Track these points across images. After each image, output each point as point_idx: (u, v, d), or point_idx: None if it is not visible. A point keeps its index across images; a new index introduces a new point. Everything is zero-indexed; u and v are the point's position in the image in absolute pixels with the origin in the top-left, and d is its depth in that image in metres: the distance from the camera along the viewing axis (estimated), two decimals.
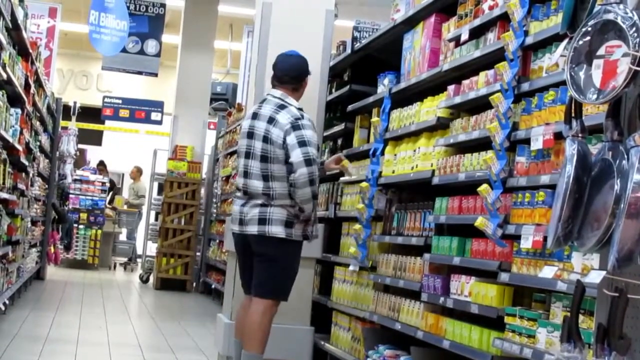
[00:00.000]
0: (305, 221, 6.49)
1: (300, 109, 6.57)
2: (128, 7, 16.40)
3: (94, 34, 15.93)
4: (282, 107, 6.53)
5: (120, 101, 20.30)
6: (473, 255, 5.43)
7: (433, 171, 6.14)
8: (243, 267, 6.74)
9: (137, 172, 21.06)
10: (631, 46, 3.25)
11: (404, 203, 6.77)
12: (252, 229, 6.47)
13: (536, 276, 4.56)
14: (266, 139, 6.44)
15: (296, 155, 6.32)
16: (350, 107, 8.27)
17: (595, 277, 3.48)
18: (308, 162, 6.33)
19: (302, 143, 6.35)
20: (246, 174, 6.54)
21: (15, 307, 10.88)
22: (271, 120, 6.46)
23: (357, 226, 7.22)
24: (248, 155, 6.55)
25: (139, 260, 20.20)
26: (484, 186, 5.14)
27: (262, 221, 6.43)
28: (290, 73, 6.70)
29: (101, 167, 20.99)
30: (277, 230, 6.41)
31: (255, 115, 6.61)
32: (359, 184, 7.31)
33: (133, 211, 20.69)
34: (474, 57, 5.78)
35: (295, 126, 6.40)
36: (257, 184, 6.47)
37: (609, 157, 3.44)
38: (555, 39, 4.73)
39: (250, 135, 6.54)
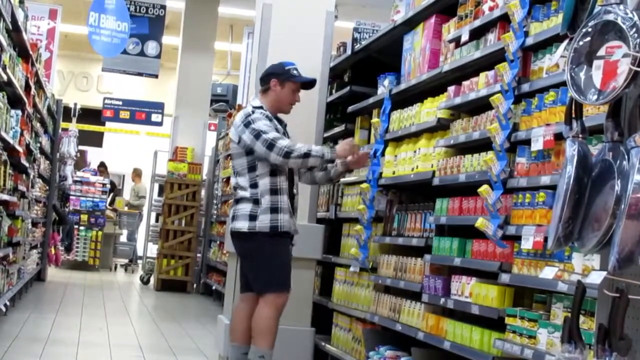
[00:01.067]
0: (273, 209, 6.50)
1: (258, 107, 6.67)
2: (128, 9, 16.40)
3: (94, 36, 15.93)
4: (239, 114, 6.74)
5: (120, 102, 20.30)
6: (474, 256, 5.43)
7: (433, 172, 6.14)
8: (239, 264, 6.90)
9: (137, 174, 21.07)
10: (631, 47, 3.26)
11: (404, 204, 6.78)
12: (228, 228, 6.68)
13: (537, 277, 4.56)
14: (231, 141, 6.69)
15: (259, 148, 6.47)
16: (350, 108, 8.27)
17: (596, 277, 3.48)
18: (270, 146, 6.43)
19: (257, 135, 6.48)
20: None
21: (16, 308, 10.88)
22: (234, 123, 6.74)
23: (358, 227, 7.22)
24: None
25: (139, 261, 20.21)
26: (485, 187, 5.14)
27: (233, 218, 6.60)
28: (260, 76, 6.94)
29: (102, 168, 20.99)
30: (240, 225, 6.51)
31: None
32: (359, 185, 7.30)
33: (134, 212, 20.69)
34: (474, 58, 5.78)
35: (246, 123, 6.56)
36: (232, 180, 6.75)
37: (610, 158, 3.44)
38: (556, 39, 4.73)
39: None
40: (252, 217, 6.47)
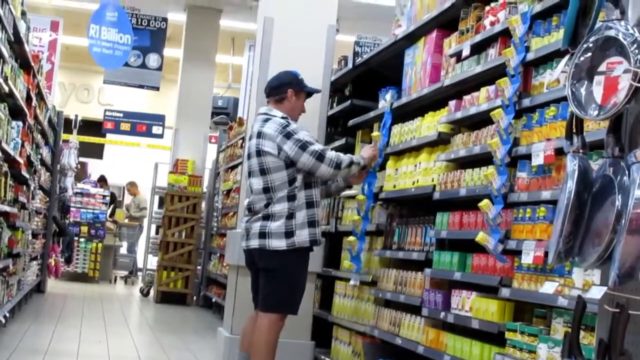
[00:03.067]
0: (311, 223, 6.44)
1: (284, 117, 6.57)
2: (130, 21, 16.43)
3: (95, 48, 15.95)
4: (267, 120, 6.56)
5: (121, 114, 20.32)
6: (474, 270, 5.43)
7: (434, 186, 6.14)
8: (253, 281, 6.73)
9: (134, 187, 21.06)
10: (632, 63, 3.27)
11: (405, 218, 6.78)
12: (254, 243, 6.46)
13: (537, 292, 4.57)
14: (259, 153, 6.46)
15: (305, 159, 6.37)
16: (351, 122, 8.28)
17: (597, 292, 3.49)
18: (320, 158, 6.38)
19: (303, 146, 6.38)
20: (251, 192, 6.59)
21: (16, 320, 10.87)
22: (260, 134, 6.50)
23: (351, 238, 7.21)
24: (250, 174, 6.60)
25: (139, 273, 20.19)
26: (485, 201, 5.15)
27: (262, 235, 6.40)
28: (270, 84, 6.79)
29: (102, 182, 20.98)
30: (277, 244, 6.36)
31: (250, 137, 6.71)
32: (356, 197, 7.31)
33: (134, 224, 20.68)
34: (475, 73, 5.79)
35: (286, 134, 6.41)
36: (257, 198, 6.48)
37: (610, 173, 3.44)
38: (557, 55, 4.74)
39: (249, 155, 6.60)
40: (289, 234, 6.37)
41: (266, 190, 6.43)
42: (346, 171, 6.57)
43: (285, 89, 6.68)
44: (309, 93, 6.85)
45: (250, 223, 6.52)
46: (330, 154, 6.44)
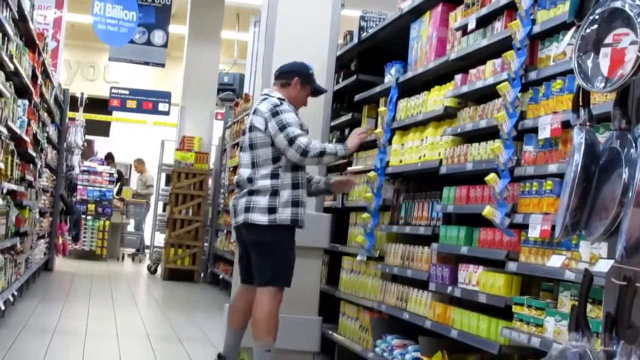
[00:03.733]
0: (295, 203, 6.49)
1: (281, 99, 6.62)
2: None
3: (99, 25, 15.92)
4: (264, 99, 6.65)
5: (127, 92, 20.31)
6: (481, 244, 5.43)
7: (440, 161, 6.13)
8: (240, 256, 6.83)
9: (141, 164, 21.06)
10: (639, 34, 3.24)
11: (411, 193, 6.77)
12: (240, 218, 6.55)
13: (544, 265, 4.56)
14: (251, 129, 6.58)
15: (280, 141, 6.43)
16: (357, 97, 8.26)
17: (603, 266, 3.48)
18: (290, 142, 6.41)
19: (282, 127, 6.44)
20: (239, 166, 6.72)
21: (24, 298, 10.90)
22: (255, 111, 6.62)
23: (365, 215, 7.21)
24: (241, 149, 6.75)
25: (146, 251, 20.23)
26: (492, 175, 5.14)
27: (247, 209, 6.49)
28: (281, 69, 6.85)
29: (109, 160, 20.99)
30: (258, 218, 6.43)
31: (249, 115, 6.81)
32: (366, 174, 7.30)
33: (141, 202, 20.69)
34: (481, 46, 5.77)
35: (274, 112, 6.50)
36: (244, 172, 6.61)
37: (617, 146, 3.43)
38: (563, 27, 4.72)
39: (244, 131, 6.73)
40: (272, 210, 6.42)
41: (252, 165, 6.54)
42: (315, 160, 6.54)
43: (293, 75, 6.73)
44: (316, 91, 6.88)
45: (237, 199, 6.63)
46: (301, 140, 6.43)
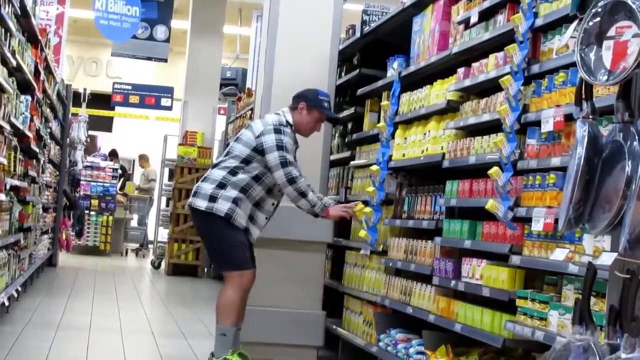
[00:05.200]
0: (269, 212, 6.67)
1: (289, 123, 6.72)
2: None
3: (101, 20, 15.92)
4: (277, 113, 6.80)
5: (130, 87, 20.31)
6: (484, 238, 5.42)
7: (443, 154, 6.12)
8: None
9: (144, 160, 21.06)
10: None
11: (414, 187, 6.77)
12: (188, 201, 6.83)
13: (547, 259, 4.56)
14: (247, 127, 6.77)
15: (272, 158, 6.53)
16: (359, 91, 8.25)
17: (607, 259, 3.48)
18: (283, 165, 6.52)
19: (279, 147, 6.55)
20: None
21: (28, 293, 10.91)
22: (248, 126, 6.80)
23: (368, 209, 7.21)
24: (227, 154, 6.80)
25: (150, 246, 20.23)
26: (495, 169, 5.13)
27: (194, 193, 6.68)
28: (296, 92, 6.95)
29: (113, 157, 21.00)
30: (199, 203, 6.58)
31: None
32: (369, 168, 7.30)
33: (144, 197, 20.70)
34: (484, 40, 5.76)
35: (277, 130, 6.60)
36: (215, 160, 6.79)
37: (620, 139, 3.43)
38: (565, 20, 4.71)
39: (237, 139, 6.83)
40: (212, 199, 6.54)
41: (225, 154, 6.73)
42: (300, 201, 6.60)
43: (300, 100, 6.85)
44: (330, 118, 7.02)
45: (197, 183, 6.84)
46: (294, 170, 6.54)
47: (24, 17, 9.43)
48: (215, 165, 6.74)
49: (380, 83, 7.68)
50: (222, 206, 6.50)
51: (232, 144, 6.74)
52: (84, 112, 17.87)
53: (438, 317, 5.84)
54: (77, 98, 17.87)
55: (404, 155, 6.92)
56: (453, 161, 5.95)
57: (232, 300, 6.55)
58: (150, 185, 20.43)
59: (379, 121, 7.64)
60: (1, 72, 7.65)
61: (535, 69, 5.11)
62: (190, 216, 13.93)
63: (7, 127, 7.96)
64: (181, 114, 17.28)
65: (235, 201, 6.52)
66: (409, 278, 6.49)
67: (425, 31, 6.87)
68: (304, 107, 6.79)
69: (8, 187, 8.35)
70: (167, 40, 17.68)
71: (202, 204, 6.55)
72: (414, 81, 7.06)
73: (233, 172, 6.58)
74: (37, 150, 10.89)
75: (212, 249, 6.85)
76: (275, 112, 6.86)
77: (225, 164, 6.63)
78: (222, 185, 6.55)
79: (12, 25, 8.07)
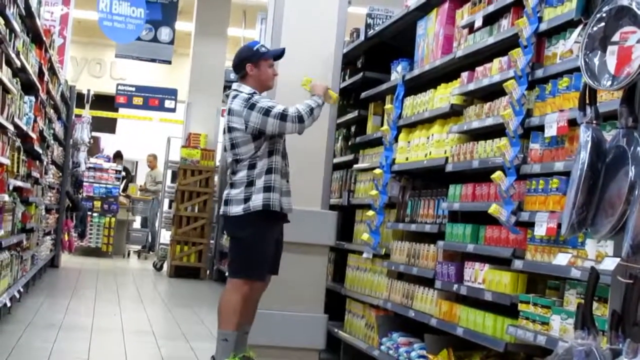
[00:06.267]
0: (267, 188, 6.55)
1: (250, 93, 6.66)
2: None
3: (105, 22, 15.92)
4: (235, 96, 6.69)
5: (133, 89, 20.31)
6: (487, 242, 5.42)
7: (447, 158, 6.12)
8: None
9: (154, 160, 21.02)
10: None
11: (417, 190, 6.77)
12: (221, 210, 6.75)
13: (550, 263, 4.56)
14: (230, 129, 6.62)
15: (271, 124, 6.50)
16: (363, 94, 8.26)
17: (610, 264, 3.48)
18: (283, 117, 6.50)
19: (266, 112, 6.50)
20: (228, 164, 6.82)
21: (30, 294, 10.92)
22: (230, 112, 6.68)
23: (370, 212, 7.21)
24: (225, 149, 6.89)
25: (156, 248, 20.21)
26: (498, 173, 5.13)
27: (226, 202, 6.64)
28: (233, 63, 6.90)
29: (117, 158, 20.98)
30: (235, 210, 6.55)
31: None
32: (372, 171, 7.30)
33: (147, 199, 20.68)
34: (488, 44, 5.76)
35: (250, 106, 6.54)
36: (230, 171, 6.72)
37: (624, 144, 3.43)
38: (570, 25, 4.71)
39: (224, 131, 6.77)
40: (247, 199, 6.53)
41: (235, 162, 6.64)
42: (310, 120, 6.60)
43: (243, 65, 6.77)
44: (274, 57, 6.88)
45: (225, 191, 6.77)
46: (292, 111, 6.53)
47: (28, 17, 9.44)
48: (234, 172, 6.64)
49: (384, 86, 7.69)
50: (257, 201, 6.48)
51: (235, 151, 6.61)
52: (87, 113, 17.86)
53: (440, 320, 5.84)
54: (80, 99, 17.87)
55: (407, 158, 6.92)
56: (456, 165, 5.95)
57: (233, 305, 6.54)
58: (158, 187, 20.41)
59: (382, 124, 7.64)
60: (5, 72, 7.66)
61: (539, 73, 5.10)
62: (193, 219, 13.92)
63: (10, 127, 7.97)
64: (185, 115, 17.29)
65: (268, 188, 6.51)
66: (411, 281, 6.49)
67: (429, 35, 6.87)
68: (253, 67, 6.72)
69: (11, 187, 8.36)
70: (171, 42, 17.69)
71: (237, 209, 6.52)
72: (417, 84, 7.07)
73: (252, 165, 6.55)
74: (40, 151, 10.90)
75: (236, 252, 6.70)
76: (232, 95, 6.74)
77: (243, 163, 6.57)
78: (250, 183, 6.53)
79: (16, 25, 8.08)
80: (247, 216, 6.51)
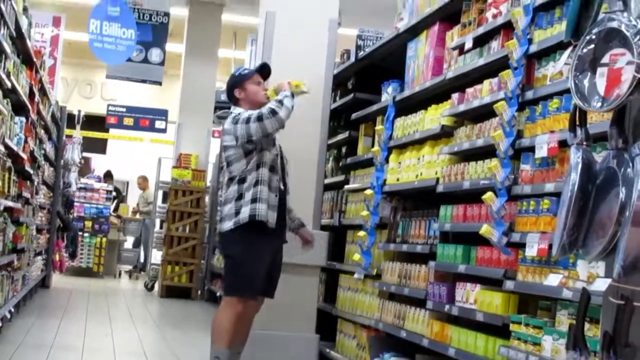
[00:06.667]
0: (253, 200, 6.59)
1: (239, 112, 6.76)
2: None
3: (96, 43, 15.90)
4: (226, 118, 6.83)
5: (124, 109, 20.29)
6: (478, 263, 5.43)
7: (437, 179, 6.14)
8: None
9: (145, 181, 20.99)
10: (635, 54, 3.27)
11: (408, 211, 6.78)
12: (217, 228, 6.87)
13: (542, 284, 4.57)
14: (225, 148, 6.76)
15: (254, 129, 6.56)
16: (354, 115, 8.28)
17: (601, 284, 3.49)
18: (259, 118, 6.56)
19: (247, 120, 6.59)
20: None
21: (21, 314, 10.88)
22: (223, 132, 6.84)
23: (362, 233, 7.22)
24: (220, 169, 7.00)
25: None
26: (489, 194, 5.15)
27: (220, 220, 6.71)
28: (227, 96, 7.12)
29: (107, 178, 20.95)
30: (227, 225, 6.61)
31: None
32: (363, 192, 7.31)
33: (138, 219, 20.65)
34: (478, 65, 5.79)
35: (235, 121, 6.65)
36: (223, 190, 6.79)
37: (614, 165, 3.44)
38: (560, 47, 4.74)
39: (220, 152, 7.09)
40: (237, 213, 6.58)
41: (229, 180, 6.72)
42: (285, 110, 6.62)
43: (232, 92, 6.93)
44: (261, 73, 6.98)
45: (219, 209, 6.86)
46: (265, 110, 6.60)
47: (19, 38, 9.44)
48: (227, 186, 6.73)
49: (374, 107, 7.71)
50: (245, 214, 6.52)
51: (229, 169, 6.70)
52: (78, 133, 17.85)
53: (432, 341, 5.84)
54: (71, 120, 17.85)
55: (398, 179, 6.93)
56: (447, 186, 5.97)
57: (224, 324, 6.57)
58: (150, 208, 20.37)
59: (373, 145, 7.67)
60: None
61: (529, 95, 5.13)
62: (184, 239, 13.96)
63: (1, 148, 7.97)
64: (175, 136, 17.28)
65: (254, 200, 6.56)
66: (403, 302, 6.50)
67: (419, 56, 6.90)
68: (240, 91, 6.86)
69: (2, 208, 8.35)
70: (162, 63, 17.68)
71: (228, 224, 6.58)
72: (408, 106, 7.09)
73: (242, 180, 6.61)
74: (31, 171, 10.88)
75: (228, 270, 6.76)
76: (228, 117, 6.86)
77: (235, 179, 6.64)
78: (240, 197, 6.58)
79: (7, 47, 8.09)
80: (238, 230, 6.53)
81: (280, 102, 6.64)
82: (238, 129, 6.58)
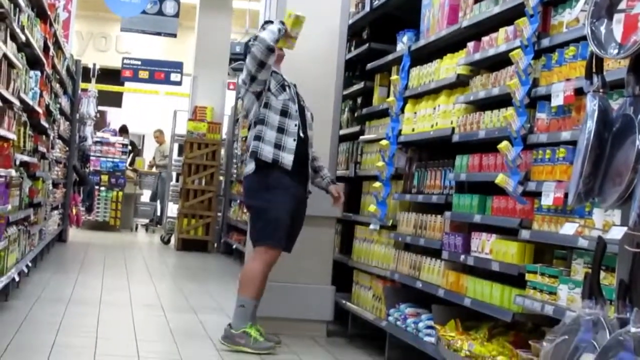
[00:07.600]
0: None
1: None
2: None
3: None
4: (241, 69, 7.29)
5: (139, 62, 20.29)
6: (494, 212, 5.41)
7: (453, 129, 6.11)
8: None
9: (162, 135, 20.99)
10: None
11: (424, 161, 6.76)
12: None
13: (557, 233, 4.55)
14: (242, 99, 7.11)
15: (249, 62, 6.79)
16: (369, 66, 8.23)
17: (617, 233, 3.47)
18: (248, 48, 6.87)
19: (246, 59, 6.86)
20: None
21: (38, 269, 10.94)
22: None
23: (377, 184, 7.20)
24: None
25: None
26: (504, 143, 5.12)
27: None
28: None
29: (123, 132, 20.96)
30: (248, 168, 6.79)
31: None
32: (378, 143, 7.28)
33: (154, 173, 20.67)
34: (494, 14, 5.73)
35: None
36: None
37: (631, 113, 3.41)
38: None
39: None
40: (255, 152, 6.72)
41: (249, 128, 6.95)
42: (268, 33, 6.77)
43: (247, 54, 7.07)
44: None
45: None
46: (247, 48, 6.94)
47: None
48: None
49: (389, 57, 7.66)
50: (267, 154, 6.70)
51: (249, 117, 6.92)
52: (93, 87, 17.84)
53: (447, 291, 5.84)
54: (86, 73, 17.86)
55: (413, 129, 6.90)
56: (463, 135, 5.94)
57: (254, 273, 6.72)
58: (166, 161, 20.39)
59: (388, 95, 7.62)
60: (10, 47, 7.64)
61: (545, 42, 5.08)
62: (200, 192, 14.05)
63: (16, 102, 7.96)
64: (191, 89, 17.27)
65: (257, 137, 6.73)
66: (419, 252, 6.50)
67: (434, 5, 6.84)
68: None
69: (18, 162, 8.36)
70: (177, 15, 17.65)
71: (250, 167, 6.77)
72: (423, 55, 7.04)
73: (256, 123, 6.80)
74: (46, 125, 10.89)
75: (254, 220, 6.87)
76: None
77: (251, 126, 6.85)
78: (258, 138, 6.74)
79: (21, 0, 8.06)
80: (256, 171, 6.70)
81: (263, 27, 6.88)
82: (243, 72, 6.80)
